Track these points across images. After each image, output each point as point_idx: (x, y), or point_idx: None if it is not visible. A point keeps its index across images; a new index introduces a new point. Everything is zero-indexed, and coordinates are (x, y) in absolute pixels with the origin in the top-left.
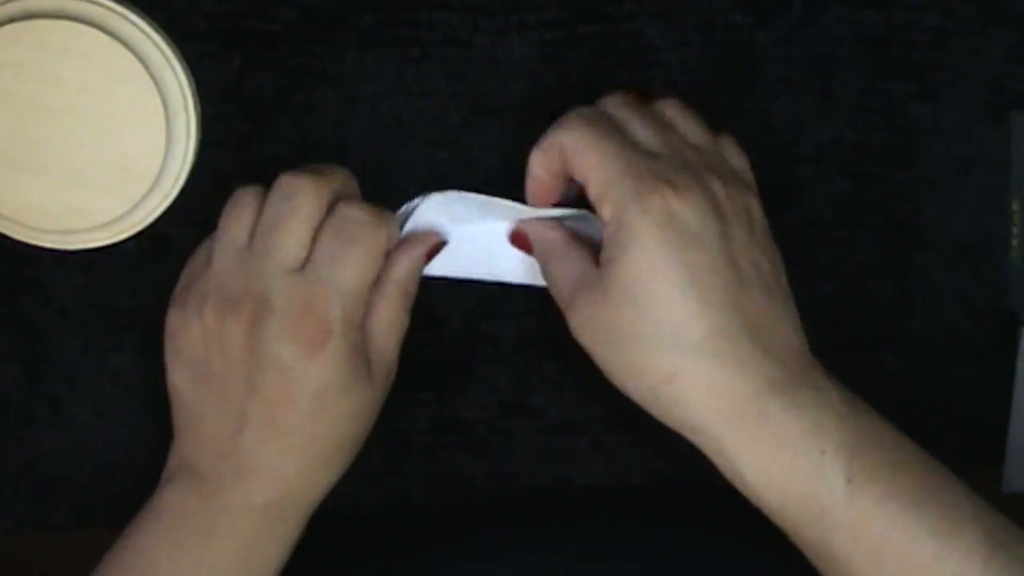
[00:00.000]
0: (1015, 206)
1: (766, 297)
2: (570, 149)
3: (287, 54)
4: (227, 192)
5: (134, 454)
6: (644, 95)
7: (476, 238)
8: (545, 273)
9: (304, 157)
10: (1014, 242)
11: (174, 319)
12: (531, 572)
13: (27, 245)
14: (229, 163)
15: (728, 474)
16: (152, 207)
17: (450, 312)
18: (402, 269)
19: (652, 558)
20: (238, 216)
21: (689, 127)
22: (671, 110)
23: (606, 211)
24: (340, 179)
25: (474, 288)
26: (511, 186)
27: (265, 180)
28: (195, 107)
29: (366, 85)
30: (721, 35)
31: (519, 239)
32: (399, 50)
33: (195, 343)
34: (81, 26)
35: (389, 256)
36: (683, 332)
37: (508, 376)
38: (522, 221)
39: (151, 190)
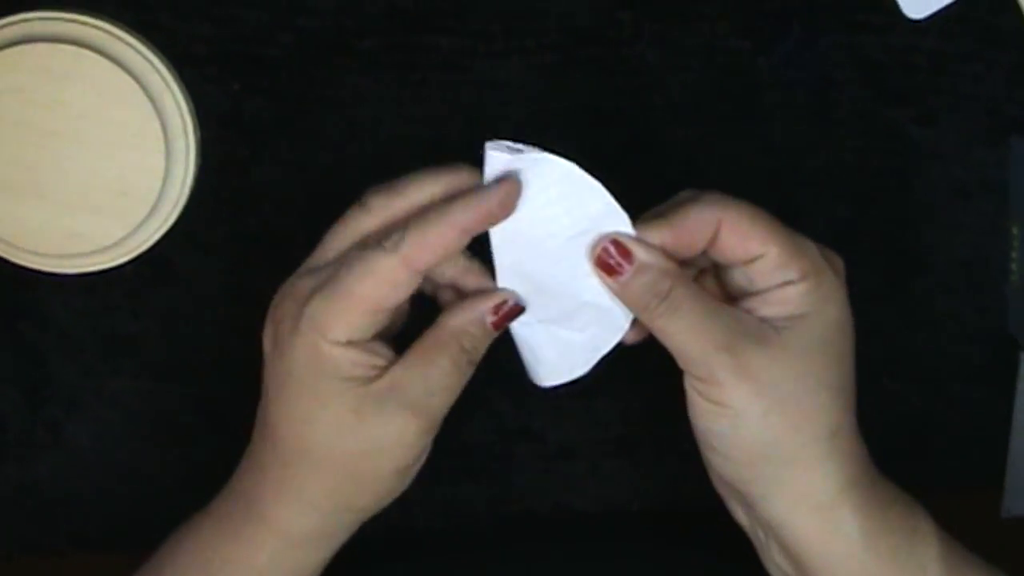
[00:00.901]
0: (1014, 230)
1: None
2: (739, 222)
3: (286, 79)
4: (226, 216)
5: (133, 478)
6: None
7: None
8: (672, 309)
9: (303, 181)
10: (1013, 266)
11: None
12: None
13: (26, 269)
14: (228, 187)
15: (819, 529)
16: (151, 231)
17: None
18: (455, 323)
19: None
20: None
21: None
22: None
23: (796, 271)
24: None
25: None
26: None
27: (264, 204)
28: (194, 131)
29: (365, 109)
30: (720, 60)
31: (610, 257)
32: (398, 74)
33: None
34: (81, 51)
35: (452, 304)
36: (850, 391)
37: (508, 401)
38: (630, 239)
39: (150, 214)
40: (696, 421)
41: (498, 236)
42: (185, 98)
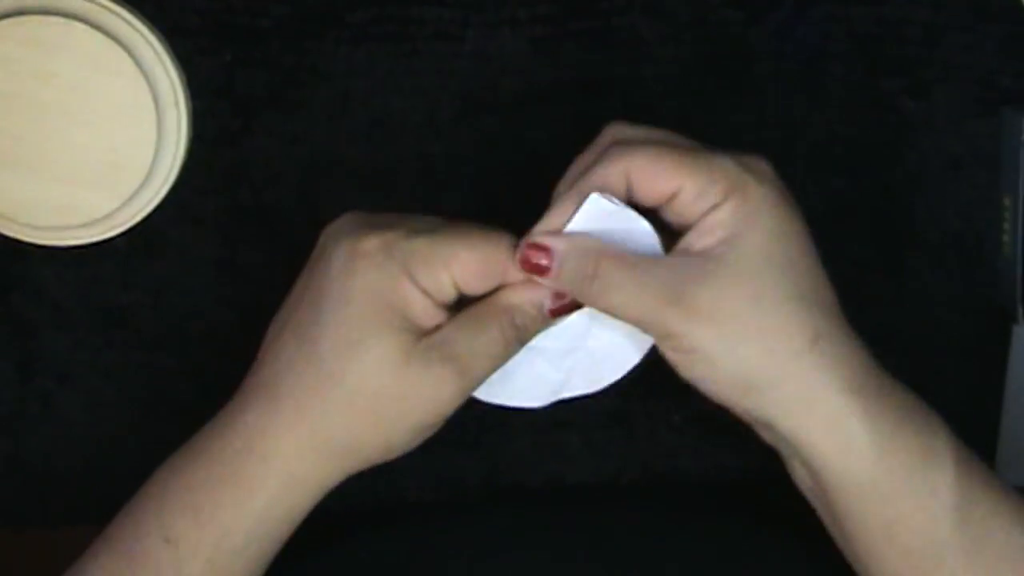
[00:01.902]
0: (1006, 202)
1: None
2: (644, 167)
3: (278, 50)
4: (218, 188)
5: (125, 450)
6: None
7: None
8: (604, 287)
9: (295, 153)
10: (1005, 238)
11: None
12: (522, 569)
13: (18, 241)
14: (220, 159)
15: (830, 441)
16: (143, 203)
17: None
18: (514, 298)
19: (643, 556)
20: None
21: None
22: None
23: (715, 194)
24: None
25: None
26: (504, 182)
27: (256, 176)
28: (186, 103)
29: (357, 81)
30: (713, 31)
31: (533, 258)
32: (390, 46)
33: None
34: (72, 22)
35: (512, 284)
36: (820, 295)
37: None
38: (543, 234)
39: (142, 186)
40: (682, 375)
41: None
42: (177, 69)
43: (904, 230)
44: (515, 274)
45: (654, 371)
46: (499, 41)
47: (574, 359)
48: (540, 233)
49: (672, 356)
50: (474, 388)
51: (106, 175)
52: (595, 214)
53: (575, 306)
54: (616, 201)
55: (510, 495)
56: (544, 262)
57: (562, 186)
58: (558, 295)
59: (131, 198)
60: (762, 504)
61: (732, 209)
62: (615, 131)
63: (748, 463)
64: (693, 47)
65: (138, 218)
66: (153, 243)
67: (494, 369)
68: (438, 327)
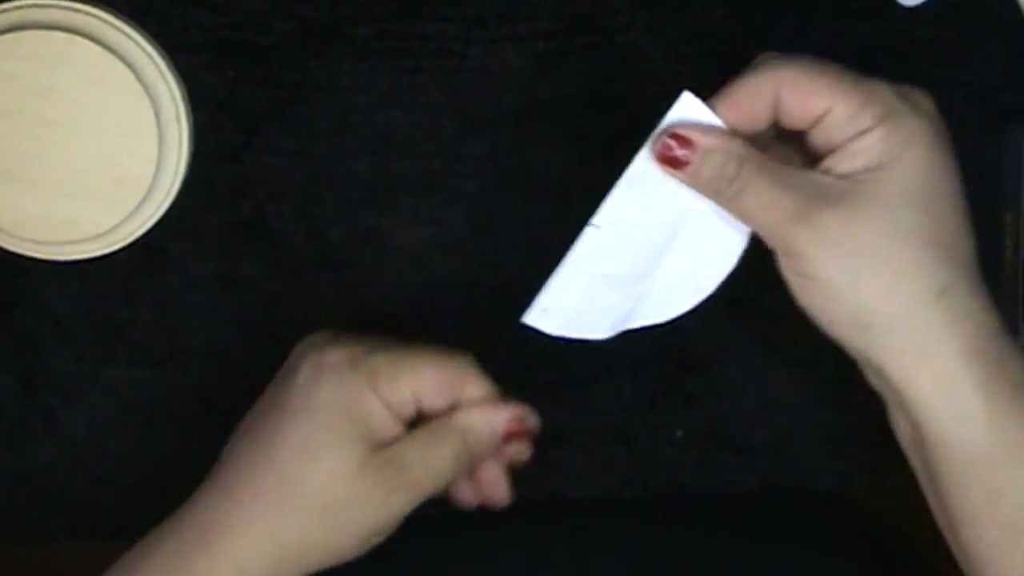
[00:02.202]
0: (1008, 218)
1: None
2: (797, 82)
3: (280, 66)
4: (220, 203)
5: (127, 466)
6: None
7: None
8: (741, 189)
9: (297, 168)
10: (1006, 254)
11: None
12: None
13: (20, 256)
14: (222, 175)
15: (942, 404)
16: (145, 218)
17: (444, 322)
18: (468, 420)
19: (646, 571)
20: None
21: None
22: None
23: (868, 118)
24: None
25: (466, 297)
26: (506, 197)
27: (257, 192)
28: (188, 118)
29: (360, 97)
30: (715, 47)
31: (671, 151)
32: (393, 62)
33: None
34: (74, 37)
35: (471, 402)
36: (956, 243)
37: (502, 387)
38: (689, 126)
39: (144, 201)
40: (798, 301)
41: (631, 178)
42: (179, 85)
43: None
44: (472, 391)
45: (656, 386)
46: (501, 57)
47: (643, 287)
48: (687, 127)
49: (791, 278)
50: (423, 500)
51: (108, 190)
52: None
53: (530, 434)
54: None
55: (511, 510)
56: (684, 154)
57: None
58: (516, 422)
59: (133, 213)
60: (765, 520)
61: (882, 136)
62: (768, 56)
63: (750, 479)
64: (695, 63)
65: (140, 233)
66: (155, 258)
67: (445, 483)
68: (395, 440)
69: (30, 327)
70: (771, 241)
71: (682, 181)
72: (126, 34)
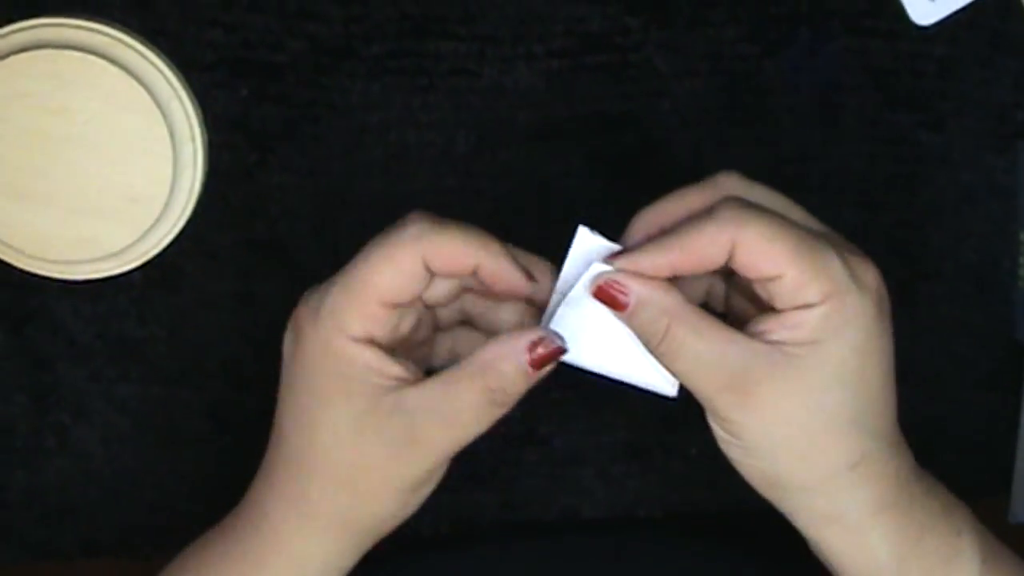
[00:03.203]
0: (1022, 236)
1: None
2: (753, 245)
3: (294, 84)
4: (234, 222)
5: (140, 483)
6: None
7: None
8: (674, 348)
9: (311, 187)
10: (1021, 271)
11: None
12: None
13: (34, 275)
14: (236, 193)
15: (850, 553)
16: (159, 237)
17: None
18: (487, 356)
19: None
20: None
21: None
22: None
23: (814, 293)
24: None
25: None
26: (520, 215)
27: (271, 210)
28: (202, 137)
29: (373, 115)
30: (728, 65)
31: (610, 294)
32: (406, 80)
33: None
34: (89, 56)
35: (489, 341)
36: (879, 417)
37: (516, 406)
38: (626, 273)
39: (158, 220)
40: (721, 448)
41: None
42: (193, 104)
43: (919, 263)
44: (441, 257)
45: (670, 403)
46: (515, 75)
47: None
48: (625, 268)
49: (716, 431)
50: (445, 456)
51: (122, 209)
52: (587, 250)
53: (557, 355)
54: (611, 245)
55: (525, 529)
56: (624, 298)
57: (655, 214)
58: (535, 344)
59: (147, 232)
60: (780, 538)
61: (824, 313)
62: (731, 184)
63: (764, 497)
64: (708, 81)
65: (154, 252)
66: (169, 277)
67: (468, 437)
68: (401, 382)
69: (44, 345)
70: (701, 401)
71: (620, 319)
72: (140, 53)
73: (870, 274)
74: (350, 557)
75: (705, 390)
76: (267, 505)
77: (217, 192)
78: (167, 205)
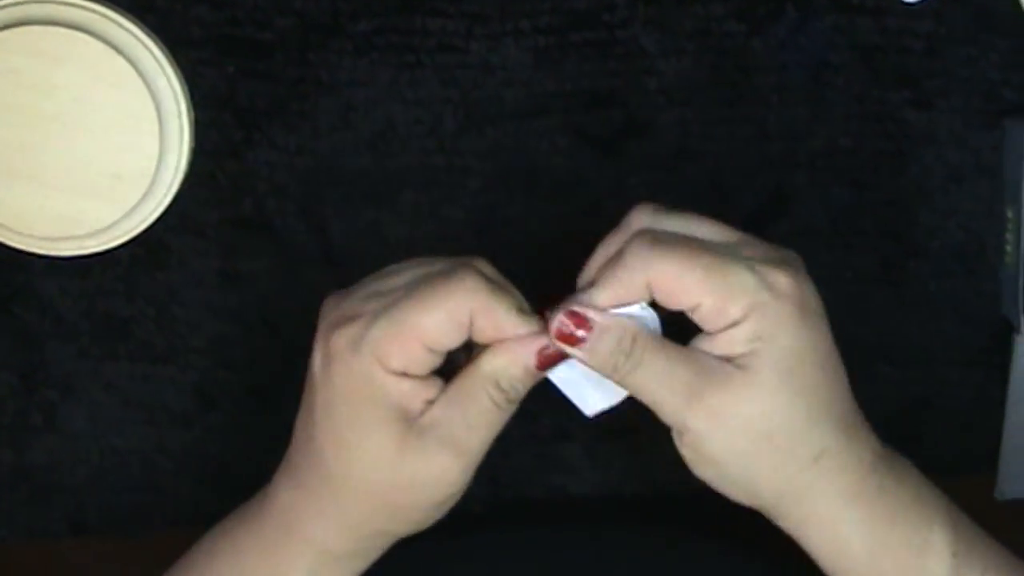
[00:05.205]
0: (1009, 213)
1: None
2: (665, 281)
3: (281, 62)
4: (220, 199)
5: (128, 462)
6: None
7: None
8: (634, 366)
9: (298, 164)
10: (1008, 249)
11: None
12: None
13: (21, 252)
14: (223, 170)
15: (825, 546)
16: (146, 214)
17: None
18: (495, 363)
19: (645, 567)
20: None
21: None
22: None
23: (735, 312)
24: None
25: None
26: (507, 193)
27: (258, 187)
28: (188, 114)
29: (360, 92)
30: (715, 42)
31: (567, 328)
32: (393, 57)
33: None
34: (74, 33)
35: (492, 345)
36: (831, 411)
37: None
38: (582, 306)
39: (144, 197)
40: (693, 472)
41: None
42: (179, 81)
43: (907, 241)
44: (485, 324)
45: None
46: (502, 52)
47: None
48: (581, 305)
49: (686, 453)
50: (478, 458)
51: (108, 186)
52: None
53: (559, 359)
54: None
55: (512, 507)
56: (581, 333)
57: (589, 268)
58: (543, 348)
59: (133, 209)
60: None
61: (750, 327)
62: (642, 218)
63: None
64: (695, 59)
65: (140, 229)
66: (155, 254)
67: (494, 434)
68: (429, 400)
69: (30, 323)
70: (666, 418)
71: (579, 359)
72: (127, 30)
73: (782, 279)
74: (382, 550)
75: (670, 403)
76: (304, 516)
77: (204, 169)
78: (153, 182)
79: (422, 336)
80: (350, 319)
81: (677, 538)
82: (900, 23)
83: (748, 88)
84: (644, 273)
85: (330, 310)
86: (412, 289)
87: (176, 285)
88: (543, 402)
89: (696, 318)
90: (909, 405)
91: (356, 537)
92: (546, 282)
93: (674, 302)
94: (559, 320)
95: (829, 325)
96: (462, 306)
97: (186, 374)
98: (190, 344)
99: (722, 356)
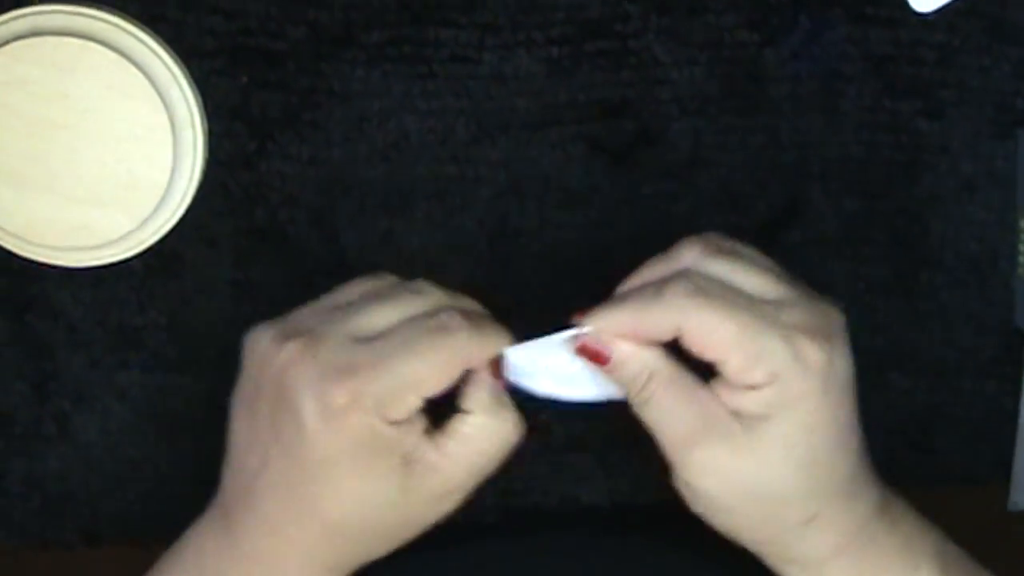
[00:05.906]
0: (1022, 223)
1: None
2: (696, 333)
3: (294, 72)
4: (234, 209)
5: (141, 471)
6: (709, 239)
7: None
8: (645, 400)
9: (311, 174)
10: (1021, 259)
11: (254, 334)
12: None
13: (34, 262)
14: (236, 181)
15: None
16: (159, 224)
17: None
18: (481, 419)
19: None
20: (360, 283)
21: (759, 258)
22: (736, 245)
23: (758, 377)
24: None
25: (480, 302)
26: (519, 203)
27: (271, 198)
28: (202, 124)
29: (373, 102)
30: (728, 53)
31: (597, 353)
32: (406, 67)
33: (252, 365)
34: (88, 43)
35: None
36: (832, 478)
37: (516, 394)
38: (609, 335)
39: (158, 207)
40: (685, 503)
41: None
42: (193, 91)
43: (920, 251)
44: (481, 362)
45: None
46: (515, 63)
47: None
48: (606, 331)
49: (680, 487)
50: (476, 481)
51: (122, 196)
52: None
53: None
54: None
55: (525, 516)
56: (606, 353)
57: (629, 285)
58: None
59: (147, 219)
60: None
61: (770, 395)
62: (690, 256)
63: None
64: (708, 69)
65: (154, 239)
66: (169, 264)
67: (490, 467)
68: (420, 441)
69: (44, 333)
70: (664, 450)
71: (603, 371)
72: (140, 40)
73: (813, 352)
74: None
75: (672, 441)
76: (285, 561)
77: (217, 179)
78: (167, 192)
79: (422, 390)
80: (346, 373)
81: (690, 547)
82: (913, 34)
83: (761, 98)
84: (677, 319)
85: (319, 364)
86: (408, 342)
87: (189, 295)
88: (556, 412)
89: (720, 369)
90: (921, 415)
91: (343, 569)
92: (558, 292)
93: (701, 352)
94: (583, 341)
95: (855, 395)
96: (459, 360)
97: (199, 383)
98: (203, 354)
99: (735, 410)
